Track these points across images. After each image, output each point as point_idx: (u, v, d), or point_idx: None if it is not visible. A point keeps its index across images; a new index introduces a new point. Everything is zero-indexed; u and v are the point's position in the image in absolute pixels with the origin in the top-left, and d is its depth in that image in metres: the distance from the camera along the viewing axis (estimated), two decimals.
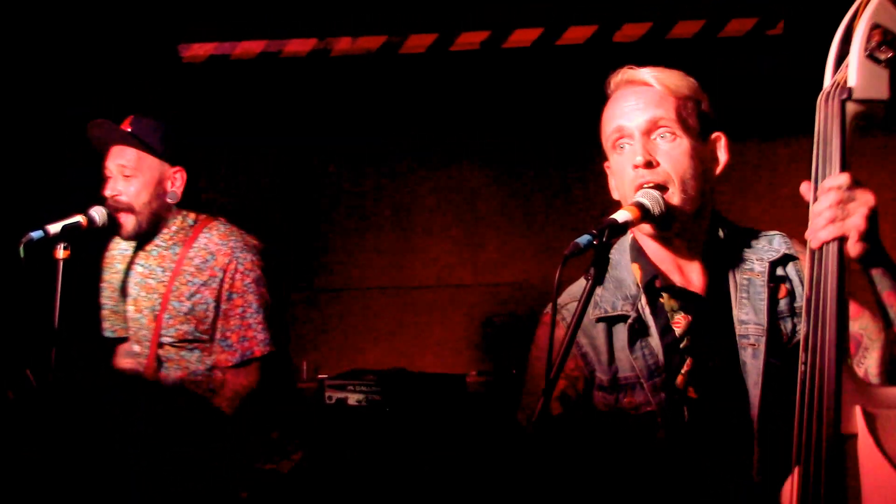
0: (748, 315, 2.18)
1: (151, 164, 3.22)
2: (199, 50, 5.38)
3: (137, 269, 3.37)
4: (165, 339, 3.27)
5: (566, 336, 2.10)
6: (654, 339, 2.25)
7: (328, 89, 5.50)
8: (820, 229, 1.82)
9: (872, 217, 1.81)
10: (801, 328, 1.96)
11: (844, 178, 1.81)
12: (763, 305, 2.16)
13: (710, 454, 2.21)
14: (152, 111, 3.61)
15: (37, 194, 4.90)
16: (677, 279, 2.24)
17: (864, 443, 1.81)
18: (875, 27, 1.87)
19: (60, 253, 3.17)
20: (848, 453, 1.83)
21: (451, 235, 5.80)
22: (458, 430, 4.75)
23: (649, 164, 2.13)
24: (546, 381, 1.94)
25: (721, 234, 2.26)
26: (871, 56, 1.85)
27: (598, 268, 2.10)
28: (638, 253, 2.29)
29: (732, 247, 2.24)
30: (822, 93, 1.89)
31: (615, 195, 2.24)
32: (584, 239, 2.10)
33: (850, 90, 1.85)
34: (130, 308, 3.36)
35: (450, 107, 5.51)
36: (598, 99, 2.65)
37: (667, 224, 2.18)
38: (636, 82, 2.19)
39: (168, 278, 3.27)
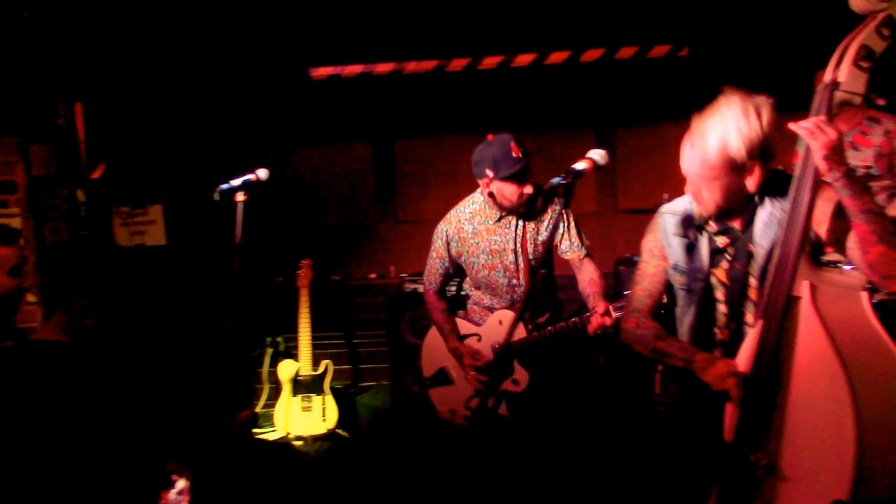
0: (764, 241, 2.50)
1: None
2: (323, 71, 6.27)
3: (498, 228, 3.83)
4: (533, 264, 3.77)
5: (652, 240, 2.75)
6: (701, 251, 2.66)
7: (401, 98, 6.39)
8: (804, 131, 2.23)
9: (835, 145, 2.20)
10: (781, 229, 2.34)
11: (823, 117, 2.24)
12: (772, 235, 2.46)
13: (732, 306, 2.62)
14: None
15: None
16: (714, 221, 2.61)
17: (805, 303, 2.22)
18: (863, 47, 2.24)
19: (240, 197, 3.76)
20: (793, 310, 2.24)
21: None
22: None
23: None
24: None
25: (756, 192, 2.50)
26: (857, 64, 2.24)
27: (566, 197, 2.73)
28: None
29: (762, 198, 2.52)
30: (822, 83, 2.28)
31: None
32: (556, 179, 2.68)
33: (837, 83, 2.26)
34: (510, 256, 3.79)
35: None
36: None
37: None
38: None
39: (523, 224, 3.77)
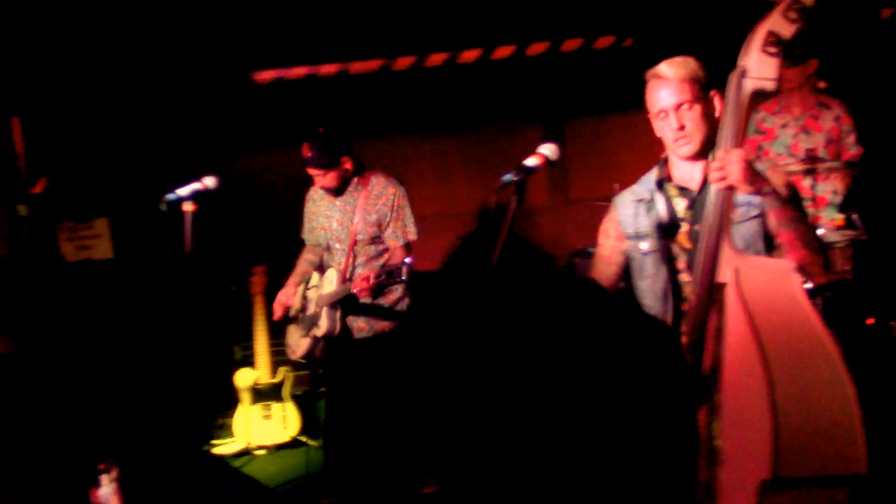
0: None
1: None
2: (267, 75, 6.19)
3: (335, 202, 4.34)
4: (359, 238, 4.23)
5: (608, 221, 2.85)
6: (661, 211, 2.70)
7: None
8: (715, 182, 2.35)
9: (747, 172, 2.30)
10: (706, 221, 2.40)
11: (721, 151, 2.33)
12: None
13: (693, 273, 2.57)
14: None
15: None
16: (681, 180, 2.70)
17: (730, 288, 2.29)
18: (770, 33, 2.28)
19: (188, 207, 3.73)
20: (722, 295, 2.30)
21: (428, 181, 6.70)
22: None
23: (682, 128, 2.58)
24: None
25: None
26: (764, 50, 2.29)
27: (518, 194, 2.62)
28: (662, 164, 2.75)
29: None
30: (734, 71, 2.34)
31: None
32: (507, 177, 2.65)
33: (746, 70, 2.31)
34: (335, 224, 4.30)
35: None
36: None
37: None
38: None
39: (359, 205, 4.22)
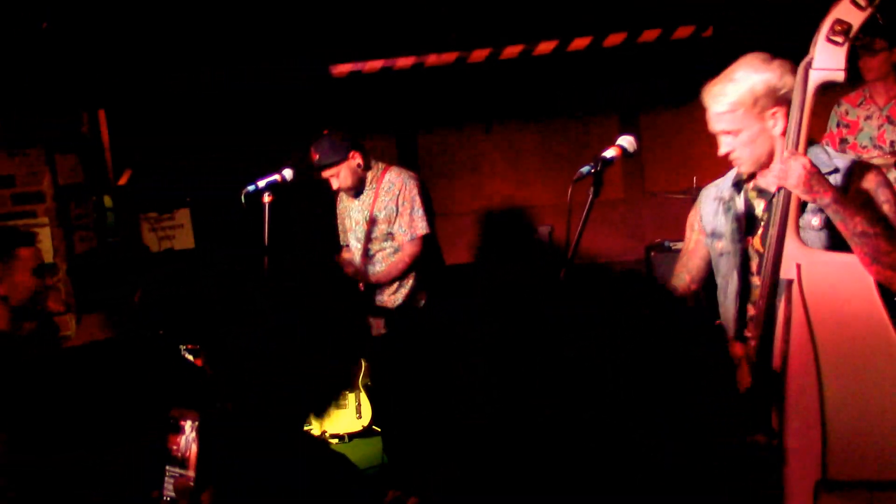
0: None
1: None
2: (343, 68, 6.18)
3: (356, 202, 4.45)
4: (373, 235, 4.38)
5: (693, 213, 2.78)
6: (738, 211, 2.60)
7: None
8: (773, 181, 2.31)
9: (810, 177, 2.21)
10: (773, 220, 2.35)
11: (787, 153, 2.25)
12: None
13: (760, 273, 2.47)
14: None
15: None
16: (760, 181, 2.55)
17: (794, 284, 2.25)
18: (837, 21, 2.15)
19: (266, 198, 3.83)
20: (788, 292, 2.25)
21: (503, 174, 6.77)
22: None
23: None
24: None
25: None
26: (829, 39, 2.16)
27: (596, 186, 2.60)
28: None
29: None
30: (801, 63, 2.25)
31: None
32: (584, 168, 2.62)
33: (811, 62, 2.20)
34: (354, 224, 4.45)
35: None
36: None
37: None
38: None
39: (371, 202, 4.35)
